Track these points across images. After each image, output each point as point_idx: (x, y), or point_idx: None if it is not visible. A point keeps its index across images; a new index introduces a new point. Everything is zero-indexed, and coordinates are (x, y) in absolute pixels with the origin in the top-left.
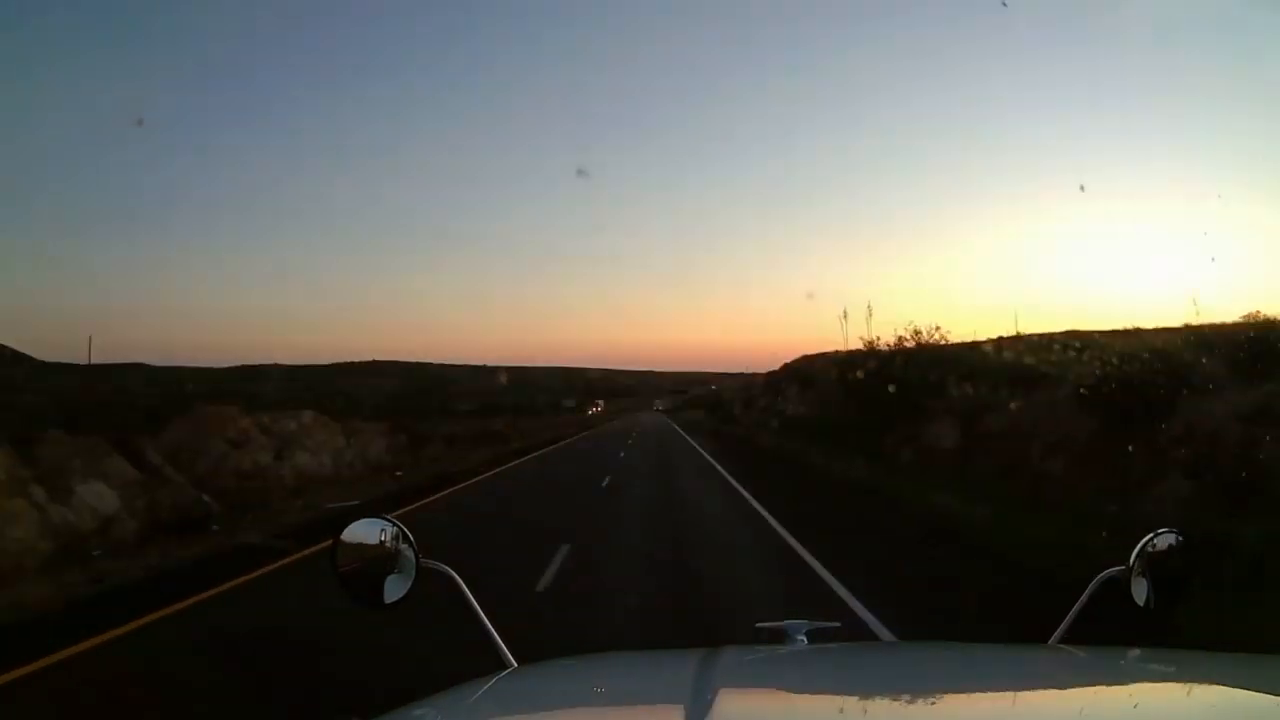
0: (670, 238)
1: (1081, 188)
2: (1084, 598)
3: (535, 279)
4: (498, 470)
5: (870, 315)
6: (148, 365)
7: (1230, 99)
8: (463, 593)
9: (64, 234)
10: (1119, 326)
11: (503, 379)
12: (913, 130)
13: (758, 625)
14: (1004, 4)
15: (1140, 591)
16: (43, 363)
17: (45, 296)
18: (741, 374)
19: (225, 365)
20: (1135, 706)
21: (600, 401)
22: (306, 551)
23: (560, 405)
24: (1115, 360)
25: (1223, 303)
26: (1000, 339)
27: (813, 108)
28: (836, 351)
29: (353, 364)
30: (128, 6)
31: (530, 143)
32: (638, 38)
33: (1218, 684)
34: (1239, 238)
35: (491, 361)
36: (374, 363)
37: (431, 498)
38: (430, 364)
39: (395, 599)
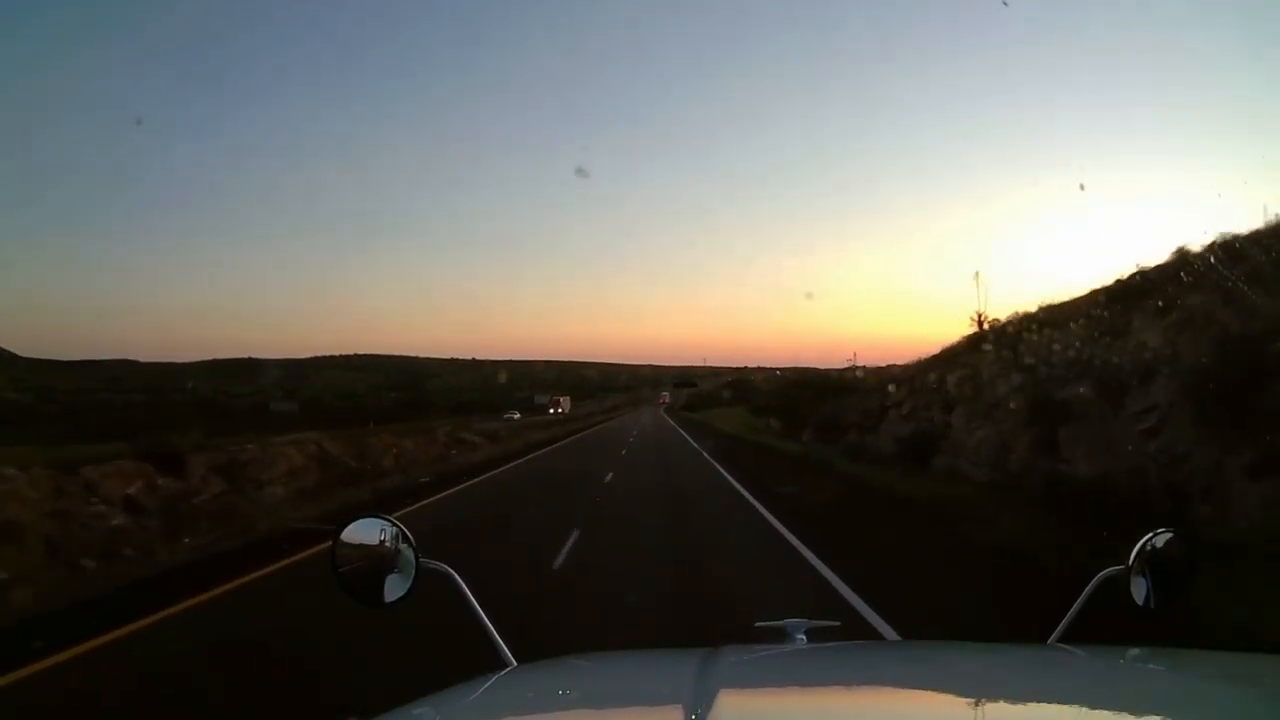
0: (661, 235)
1: (1081, 187)
2: (1083, 597)
3: (531, 275)
4: None
5: None
6: (135, 361)
7: (1231, 98)
8: (463, 592)
9: (40, 230)
10: None
11: (503, 378)
12: (912, 129)
13: (757, 624)
14: (1004, 3)
15: (1140, 591)
16: (25, 358)
17: (22, 293)
18: (748, 368)
19: (191, 360)
20: (1135, 706)
21: (562, 399)
22: None
23: (534, 401)
24: None
25: None
26: None
27: (812, 105)
28: None
29: (333, 357)
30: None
31: (525, 135)
32: (638, 36)
33: (1218, 683)
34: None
35: (481, 355)
36: (355, 356)
37: None
38: (416, 358)
39: (396, 598)
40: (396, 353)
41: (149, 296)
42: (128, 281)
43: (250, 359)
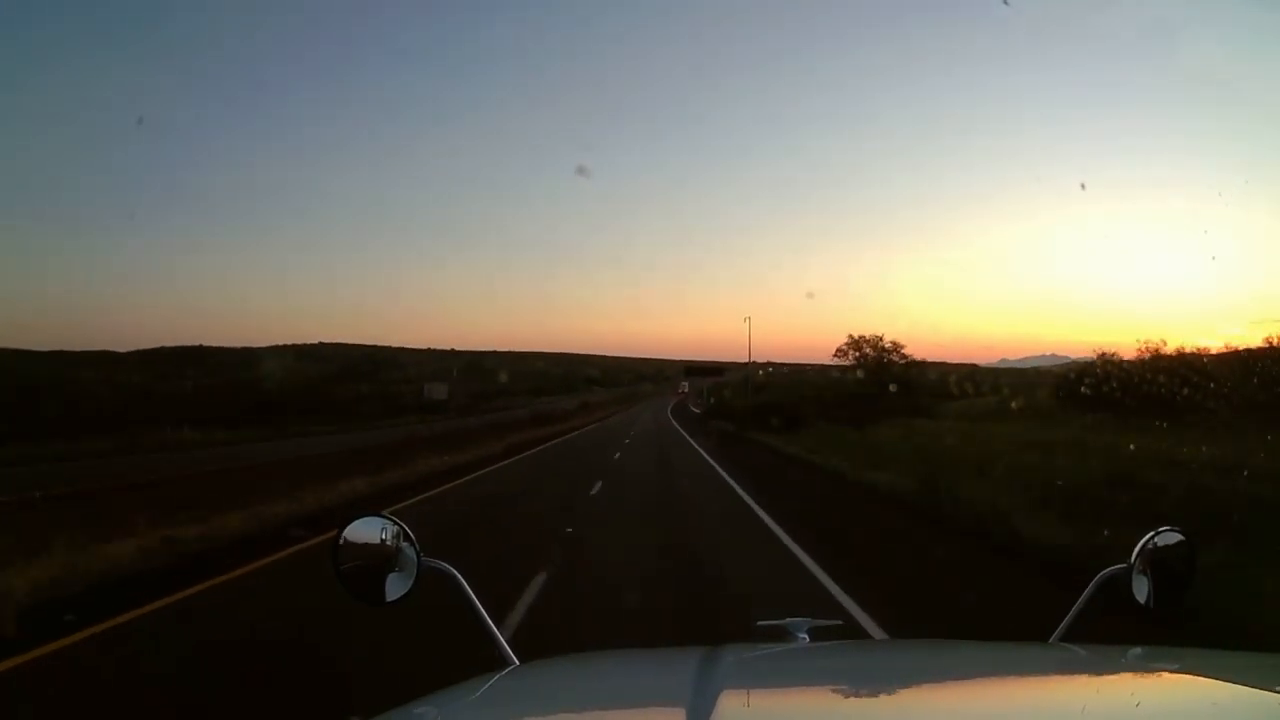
0: (661, 232)
1: (1083, 186)
2: (1085, 596)
3: (530, 270)
4: None
5: None
6: (116, 352)
7: (1231, 98)
8: (464, 592)
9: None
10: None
11: (504, 376)
12: (913, 130)
13: (759, 623)
14: (1005, 2)
15: (1141, 590)
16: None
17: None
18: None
19: (151, 347)
20: (1137, 705)
21: None
22: None
23: (424, 396)
24: None
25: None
26: None
27: (814, 104)
28: None
29: (297, 345)
30: None
31: (518, 124)
32: (639, 32)
33: (1219, 682)
34: (1240, 237)
35: (472, 348)
36: (320, 345)
37: None
38: (386, 347)
39: (397, 597)
40: (370, 343)
41: (117, 288)
42: (97, 274)
43: (201, 345)
